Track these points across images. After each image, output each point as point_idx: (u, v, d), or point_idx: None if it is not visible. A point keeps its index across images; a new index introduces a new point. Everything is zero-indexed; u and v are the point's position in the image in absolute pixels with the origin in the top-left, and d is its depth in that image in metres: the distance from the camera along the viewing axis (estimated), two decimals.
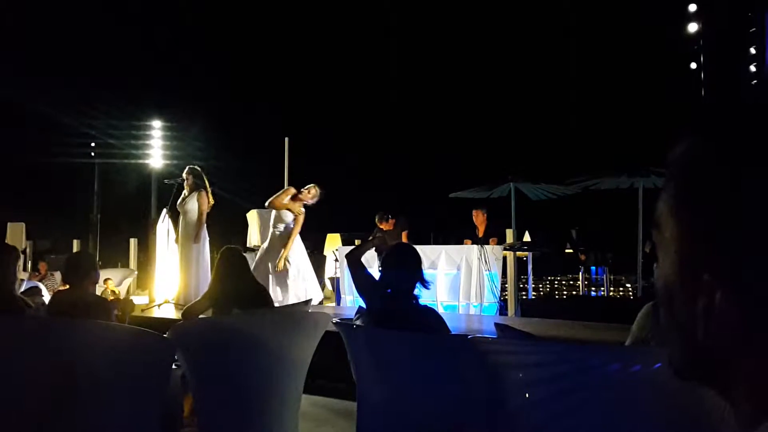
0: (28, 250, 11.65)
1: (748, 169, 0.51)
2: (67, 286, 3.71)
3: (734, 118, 0.56)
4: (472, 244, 8.09)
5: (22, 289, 5.97)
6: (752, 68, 12.45)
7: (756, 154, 0.51)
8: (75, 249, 12.54)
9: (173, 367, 3.28)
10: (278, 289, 6.89)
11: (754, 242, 0.49)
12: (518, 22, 17.58)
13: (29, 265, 10.87)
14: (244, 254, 4.48)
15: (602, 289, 11.42)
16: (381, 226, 8.95)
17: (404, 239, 8.48)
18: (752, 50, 12.44)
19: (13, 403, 2.86)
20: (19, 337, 2.98)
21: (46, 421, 2.81)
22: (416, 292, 3.13)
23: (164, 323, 5.35)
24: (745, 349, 0.50)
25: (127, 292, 9.63)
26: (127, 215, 16.19)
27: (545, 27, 17.33)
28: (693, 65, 13.20)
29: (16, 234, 10.43)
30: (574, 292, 12.74)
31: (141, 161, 16.15)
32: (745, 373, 0.51)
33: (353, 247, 5.04)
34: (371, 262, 7.02)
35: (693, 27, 12.83)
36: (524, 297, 8.82)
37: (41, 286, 7.51)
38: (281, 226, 7.03)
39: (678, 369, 0.57)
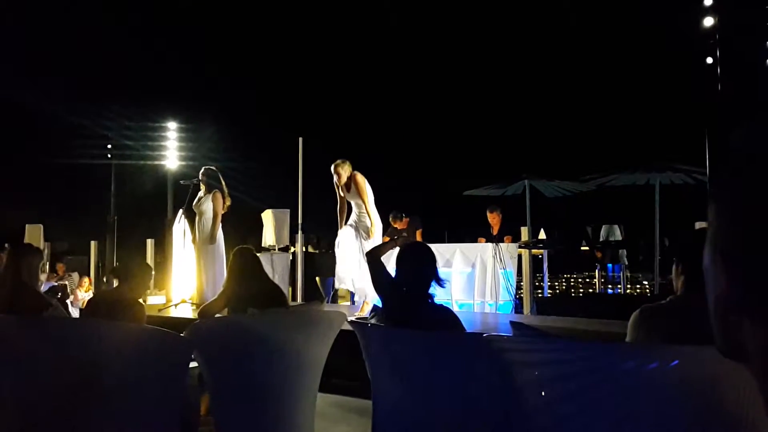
0: (46, 251, 11.78)
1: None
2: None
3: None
4: (487, 242, 8.07)
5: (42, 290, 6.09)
6: None
7: None
8: (92, 250, 12.67)
9: (190, 366, 3.31)
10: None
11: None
12: (533, 19, 17.51)
13: (47, 267, 10.99)
14: (258, 254, 4.50)
15: (619, 286, 11.35)
16: (395, 225, 8.97)
17: (419, 238, 8.49)
18: None
19: (33, 401, 2.90)
20: (39, 337, 3.02)
21: (63, 420, 2.84)
22: (431, 290, 3.13)
23: (181, 323, 5.38)
24: (751, 331, 0.50)
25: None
26: (143, 216, 16.31)
27: (559, 23, 17.24)
28: (709, 60, 13.06)
29: (34, 235, 10.53)
30: (590, 290, 12.68)
31: (157, 162, 16.29)
32: (754, 351, 0.51)
33: (375, 245, 5.03)
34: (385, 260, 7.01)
35: (709, 21, 12.70)
36: (540, 295, 8.79)
37: (66, 283, 7.61)
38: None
39: (717, 346, 0.58)
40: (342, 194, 6.70)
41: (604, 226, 10.55)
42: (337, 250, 6.62)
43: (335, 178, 6.65)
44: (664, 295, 2.34)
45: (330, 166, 6.68)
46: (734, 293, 0.53)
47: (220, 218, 7.60)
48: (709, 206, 0.60)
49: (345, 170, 6.63)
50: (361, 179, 6.60)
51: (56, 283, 8.23)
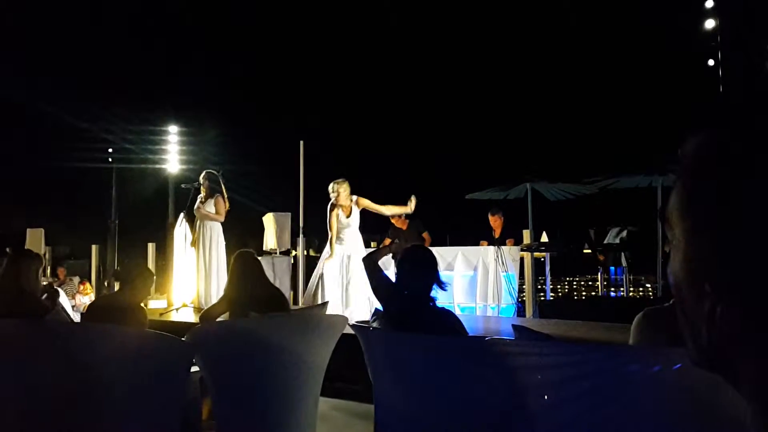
0: (47, 255, 11.77)
1: (750, 169, 0.49)
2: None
3: (743, 117, 0.54)
4: (489, 245, 8.05)
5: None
6: None
7: (759, 154, 0.49)
8: (94, 254, 12.66)
9: (192, 370, 3.30)
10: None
11: (755, 254, 0.47)
12: (535, 22, 17.51)
13: (48, 271, 10.99)
14: (259, 258, 4.49)
15: (621, 289, 11.32)
16: (393, 222, 8.96)
17: (427, 241, 8.46)
18: None
19: (33, 404, 2.88)
20: (40, 341, 3.01)
21: (65, 424, 2.83)
22: (433, 294, 3.11)
23: (182, 327, 5.37)
24: (745, 356, 0.49)
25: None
26: (144, 220, 16.31)
27: (561, 26, 17.25)
28: (711, 62, 13.05)
29: (35, 240, 10.55)
30: (592, 293, 12.66)
31: (158, 166, 16.27)
32: (746, 375, 0.49)
33: (371, 250, 5.03)
34: (386, 264, 7.01)
35: (710, 23, 12.70)
36: (542, 298, 8.77)
37: (60, 290, 7.57)
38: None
39: (691, 358, 0.56)
40: (340, 217, 6.76)
41: (613, 229, 10.54)
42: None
43: (333, 196, 6.73)
44: (668, 297, 2.33)
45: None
46: (729, 319, 0.50)
47: (218, 218, 7.64)
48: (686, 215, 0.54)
49: (345, 189, 6.74)
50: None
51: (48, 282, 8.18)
